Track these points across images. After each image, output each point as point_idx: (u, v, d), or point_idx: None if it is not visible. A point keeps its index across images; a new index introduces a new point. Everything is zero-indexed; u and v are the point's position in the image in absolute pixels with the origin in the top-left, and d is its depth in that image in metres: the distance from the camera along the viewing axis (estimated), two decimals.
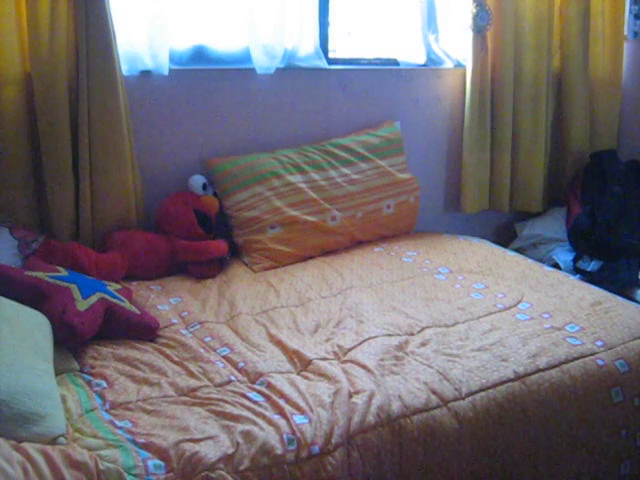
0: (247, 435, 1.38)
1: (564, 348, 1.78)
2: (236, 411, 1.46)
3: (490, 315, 1.98)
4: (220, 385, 1.59)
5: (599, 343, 1.82)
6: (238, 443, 1.35)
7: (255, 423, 1.42)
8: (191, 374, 1.63)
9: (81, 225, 2.25)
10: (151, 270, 2.27)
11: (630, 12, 3.12)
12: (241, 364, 1.69)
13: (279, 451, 1.36)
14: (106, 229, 2.29)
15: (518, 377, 1.66)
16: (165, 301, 2.07)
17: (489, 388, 1.62)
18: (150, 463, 1.28)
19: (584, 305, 2.04)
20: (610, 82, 3.16)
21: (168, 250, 2.30)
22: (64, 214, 2.22)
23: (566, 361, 1.74)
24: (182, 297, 2.11)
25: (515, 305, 2.05)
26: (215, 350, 1.77)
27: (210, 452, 1.32)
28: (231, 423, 1.41)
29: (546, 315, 1.97)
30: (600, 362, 1.76)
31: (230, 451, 1.33)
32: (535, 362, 1.71)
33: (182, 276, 2.29)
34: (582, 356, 1.77)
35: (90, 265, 2.09)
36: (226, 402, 1.49)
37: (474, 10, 2.78)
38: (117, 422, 1.41)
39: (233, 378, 1.62)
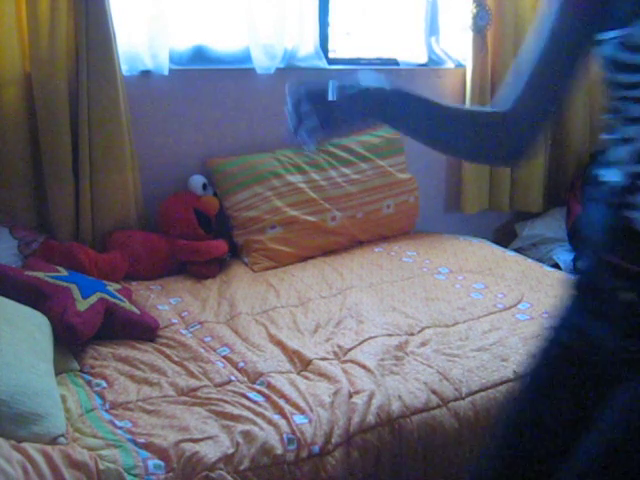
0: (247, 435, 1.37)
1: None
2: (236, 411, 1.46)
3: (490, 315, 1.98)
4: (220, 385, 1.59)
5: None
6: (238, 443, 1.35)
7: (255, 423, 1.42)
8: (191, 374, 1.63)
9: (81, 225, 2.25)
10: (151, 270, 2.27)
11: None
12: (241, 364, 1.68)
13: (279, 451, 1.36)
14: (106, 229, 2.29)
15: (518, 377, 1.66)
16: (165, 301, 2.07)
17: (489, 388, 1.62)
18: (150, 463, 1.27)
19: None
20: None
21: (168, 250, 2.30)
22: (64, 214, 2.22)
23: None
24: (182, 297, 2.11)
25: (515, 305, 2.05)
26: (215, 350, 1.77)
27: (210, 452, 1.31)
28: (231, 423, 1.41)
29: (546, 314, 1.97)
30: None
31: (230, 451, 1.33)
32: None
33: (182, 276, 2.29)
34: None
35: (90, 265, 2.08)
36: (226, 402, 1.49)
37: (474, 10, 2.78)
38: (117, 422, 1.41)
39: (233, 378, 1.62)
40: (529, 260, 2.49)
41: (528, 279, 2.26)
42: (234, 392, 1.54)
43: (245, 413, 1.45)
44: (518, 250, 2.88)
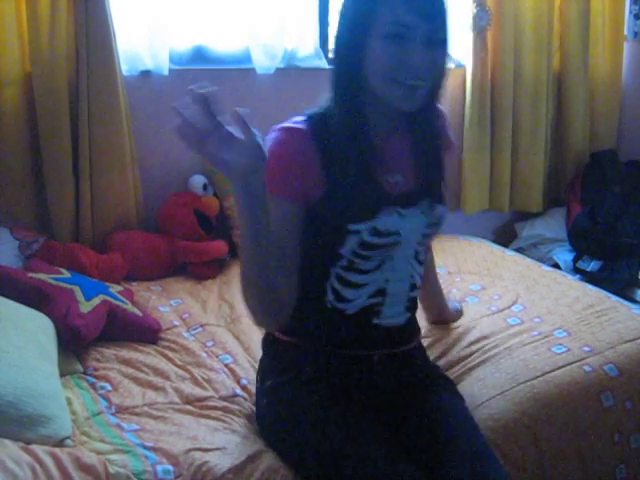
0: (257, 450, 1.34)
1: (549, 356, 1.71)
2: (244, 429, 1.43)
3: (483, 318, 1.92)
4: (225, 399, 1.55)
5: (586, 349, 1.74)
6: (248, 456, 1.32)
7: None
8: (195, 380, 1.61)
9: (81, 225, 2.24)
10: (151, 271, 2.27)
11: (630, 12, 3.12)
12: (244, 381, 1.64)
13: (289, 468, 1.32)
14: (106, 229, 2.28)
15: (502, 391, 1.59)
16: (166, 302, 2.06)
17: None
18: (159, 468, 1.26)
19: (577, 308, 1.98)
20: (610, 82, 3.16)
21: (168, 251, 2.30)
22: (64, 214, 2.21)
23: (550, 370, 1.66)
24: (182, 298, 2.10)
25: (509, 307, 2.01)
26: (218, 356, 1.75)
27: (220, 462, 1.29)
28: (239, 439, 1.38)
29: (537, 320, 1.91)
30: (587, 368, 1.67)
31: (239, 462, 1.30)
32: (516, 374, 1.64)
33: (182, 277, 2.28)
34: (568, 363, 1.68)
35: (91, 266, 2.08)
36: (233, 415, 1.47)
37: (474, 10, 2.77)
38: (124, 426, 1.40)
39: (238, 392, 1.58)
40: (528, 260, 2.48)
41: (525, 279, 2.23)
42: (240, 408, 1.51)
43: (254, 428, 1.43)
44: (518, 250, 2.88)
